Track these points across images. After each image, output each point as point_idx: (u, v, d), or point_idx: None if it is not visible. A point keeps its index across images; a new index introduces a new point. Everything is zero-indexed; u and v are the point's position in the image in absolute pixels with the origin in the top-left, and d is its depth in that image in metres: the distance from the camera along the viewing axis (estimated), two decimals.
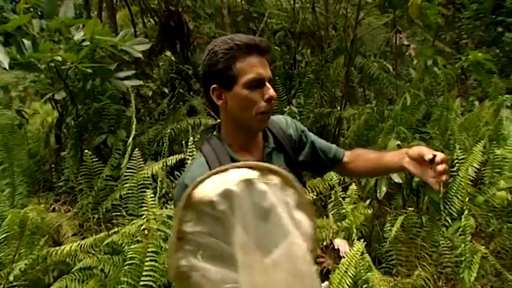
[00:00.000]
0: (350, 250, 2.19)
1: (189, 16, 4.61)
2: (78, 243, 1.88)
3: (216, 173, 0.76)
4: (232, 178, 0.75)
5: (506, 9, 6.98)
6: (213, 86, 0.94)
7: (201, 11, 4.69)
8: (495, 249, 2.43)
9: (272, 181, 0.78)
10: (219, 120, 1.02)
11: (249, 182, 0.75)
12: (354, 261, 2.01)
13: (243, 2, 5.41)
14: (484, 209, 2.59)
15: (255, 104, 0.92)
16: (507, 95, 4.57)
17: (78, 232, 2.41)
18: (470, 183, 2.54)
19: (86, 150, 2.38)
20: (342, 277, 1.95)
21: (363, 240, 2.11)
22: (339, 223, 2.41)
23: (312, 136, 1.15)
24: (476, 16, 6.77)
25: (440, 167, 0.88)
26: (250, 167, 0.78)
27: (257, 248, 0.74)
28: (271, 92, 0.93)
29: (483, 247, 2.18)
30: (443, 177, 0.89)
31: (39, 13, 2.77)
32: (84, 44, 2.37)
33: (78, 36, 2.40)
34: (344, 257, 2.18)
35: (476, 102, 4.78)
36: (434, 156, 0.89)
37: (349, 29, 3.64)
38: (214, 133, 1.01)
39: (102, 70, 2.62)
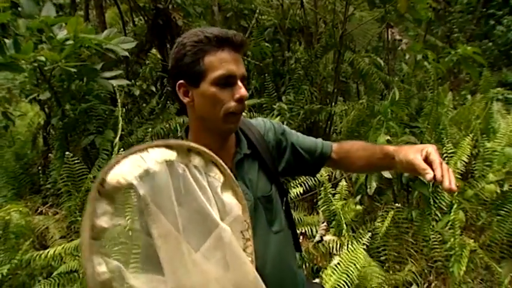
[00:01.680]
0: (341, 246, 2.18)
1: (179, 14, 4.58)
2: (63, 247, 1.84)
3: (133, 153, 0.65)
4: (151, 158, 0.65)
5: (497, 2, 7.00)
6: (180, 82, 0.86)
7: (191, 8, 4.66)
8: (485, 243, 2.42)
9: (193, 161, 0.71)
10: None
11: (170, 164, 0.66)
12: (346, 257, 2.00)
13: None
14: (473, 203, 2.58)
15: (223, 103, 0.83)
16: (498, 88, 4.59)
17: (66, 235, 2.38)
18: (459, 177, 2.53)
19: (68, 153, 2.34)
20: (334, 273, 1.94)
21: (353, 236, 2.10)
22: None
23: (293, 136, 1.04)
24: (468, 10, 6.78)
25: (446, 186, 0.76)
26: (169, 146, 0.69)
27: (181, 241, 0.65)
28: (243, 91, 0.84)
29: (472, 241, 2.17)
30: (453, 188, 0.77)
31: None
32: (68, 43, 2.33)
33: (61, 35, 2.36)
34: (335, 254, 2.17)
35: (469, 96, 4.79)
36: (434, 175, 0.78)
37: (339, 24, 3.62)
38: (180, 134, 0.94)
39: (87, 70, 2.58)
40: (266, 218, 0.93)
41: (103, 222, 0.62)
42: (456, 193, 2.41)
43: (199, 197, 0.69)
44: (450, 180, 0.76)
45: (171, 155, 0.68)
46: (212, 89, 0.83)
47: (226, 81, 0.83)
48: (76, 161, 2.40)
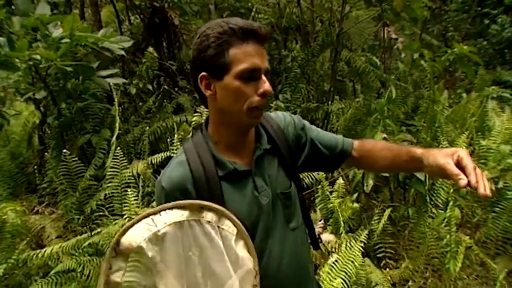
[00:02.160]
0: (339, 244, 2.19)
1: (175, 12, 4.56)
2: (60, 246, 1.83)
3: (146, 216, 0.71)
4: (161, 221, 0.71)
5: (492, 1, 7.04)
6: (202, 74, 0.83)
7: (187, 7, 4.64)
8: (480, 239, 2.45)
9: (206, 217, 0.74)
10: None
11: (179, 225, 0.72)
12: (344, 255, 2.01)
13: None
14: (469, 200, 2.60)
15: (247, 97, 0.81)
16: (493, 87, 4.62)
17: (62, 234, 2.37)
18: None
19: (65, 150, 2.33)
20: (332, 271, 1.95)
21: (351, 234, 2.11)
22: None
23: (313, 132, 1.01)
24: (463, 8, 6.82)
25: (481, 192, 0.73)
26: (181, 207, 0.74)
27: None
28: (267, 86, 0.81)
29: (467, 237, 2.19)
30: (488, 193, 0.73)
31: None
32: (63, 41, 2.32)
33: (56, 33, 2.34)
34: (333, 252, 2.18)
35: (464, 94, 4.83)
36: (469, 181, 0.74)
37: (336, 23, 3.62)
38: (201, 129, 0.91)
39: (83, 68, 2.57)
40: (284, 215, 0.92)
41: (117, 277, 0.70)
42: (452, 190, 2.43)
43: (210, 252, 0.74)
44: (485, 186, 0.73)
45: (182, 215, 0.73)
46: (236, 82, 0.80)
47: (251, 75, 0.80)
48: (73, 160, 2.39)
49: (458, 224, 2.34)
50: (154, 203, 2.31)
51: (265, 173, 0.90)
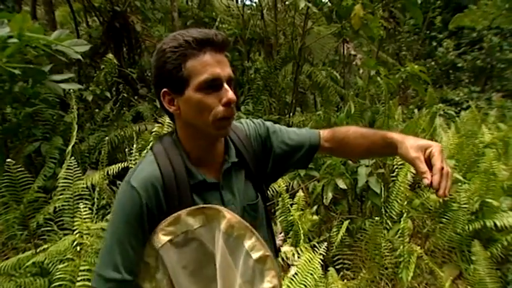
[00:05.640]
0: (299, 257, 2.20)
1: (137, 18, 4.44)
2: None
3: None
4: None
5: (438, 26, 7.66)
6: (163, 90, 0.80)
7: (150, 13, 4.54)
8: (429, 249, 2.58)
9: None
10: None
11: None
12: (303, 268, 2.02)
13: (194, 6, 5.34)
14: (420, 211, 2.75)
15: (211, 109, 0.78)
16: (440, 104, 4.98)
17: (0, 252, 2.16)
18: (408, 187, 2.68)
19: (9, 160, 2.14)
20: (291, 284, 1.95)
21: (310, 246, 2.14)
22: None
23: (278, 133, 0.98)
24: (414, 31, 7.33)
25: (439, 194, 0.75)
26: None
27: None
28: (230, 94, 0.78)
29: (419, 247, 2.30)
30: (445, 194, 0.75)
31: None
32: (11, 41, 2.15)
33: (3, 32, 2.17)
34: (293, 265, 2.19)
35: (416, 110, 5.15)
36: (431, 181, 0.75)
37: (298, 37, 3.72)
38: (171, 135, 0.88)
39: (34, 71, 2.39)
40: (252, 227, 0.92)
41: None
42: (405, 202, 2.56)
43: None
44: (445, 188, 0.74)
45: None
46: (197, 95, 0.78)
47: (212, 85, 0.78)
48: (19, 170, 2.21)
49: (410, 235, 2.45)
50: (109, 216, 2.19)
51: (233, 186, 0.89)
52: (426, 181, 0.75)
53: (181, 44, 0.77)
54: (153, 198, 0.79)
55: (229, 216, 0.81)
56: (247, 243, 0.81)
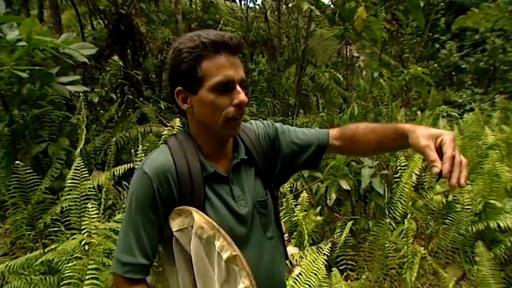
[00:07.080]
0: (303, 257, 2.22)
1: (141, 20, 4.48)
2: (6, 264, 1.69)
3: None
4: None
5: (440, 28, 7.67)
6: (178, 88, 0.84)
7: (154, 15, 4.58)
8: (433, 249, 2.59)
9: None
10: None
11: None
12: (307, 268, 2.03)
13: (198, 9, 5.38)
14: (423, 213, 2.76)
15: (222, 109, 0.82)
16: (443, 106, 4.99)
17: (9, 251, 2.19)
18: (412, 188, 2.70)
19: (18, 162, 2.17)
20: (295, 284, 1.96)
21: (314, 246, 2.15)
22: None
23: (287, 134, 1.00)
24: (417, 33, 7.35)
25: (451, 183, 0.70)
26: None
27: None
28: (242, 96, 0.81)
29: (422, 248, 2.31)
30: (462, 183, 0.70)
31: None
32: (20, 44, 2.18)
33: (12, 35, 2.20)
34: (297, 265, 2.20)
35: (419, 112, 5.16)
36: (441, 170, 0.71)
37: (301, 39, 3.75)
38: (184, 131, 0.92)
39: (41, 74, 2.43)
40: (261, 224, 0.93)
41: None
42: (409, 203, 2.57)
43: None
44: (459, 177, 0.70)
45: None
46: (210, 95, 0.81)
47: (225, 87, 0.81)
48: (27, 171, 2.24)
49: (413, 236, 2.46)
50: (119, 216, 2.21)
51: (243, 182, 0.91)
52: (436, 169, 0.71)
53: (197, 45, 0.80)
54: (165, 186, 0.82)
55: (197, 217, 0.80)
56: (217, 244, 0.80)
